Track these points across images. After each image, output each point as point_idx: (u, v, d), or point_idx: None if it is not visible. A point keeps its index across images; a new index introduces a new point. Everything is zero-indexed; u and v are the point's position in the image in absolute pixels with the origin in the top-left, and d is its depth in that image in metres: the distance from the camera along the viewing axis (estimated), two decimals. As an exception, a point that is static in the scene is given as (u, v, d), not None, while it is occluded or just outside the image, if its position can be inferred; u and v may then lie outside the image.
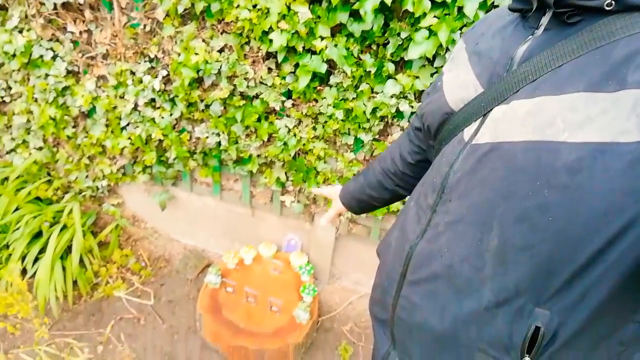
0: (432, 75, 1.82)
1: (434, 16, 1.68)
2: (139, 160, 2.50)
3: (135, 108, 2.29)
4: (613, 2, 0.57)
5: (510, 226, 0.62)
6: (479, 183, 0.66)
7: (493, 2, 1.62)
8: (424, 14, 1.68)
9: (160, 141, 2.38)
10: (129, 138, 2.37)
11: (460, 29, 1.68)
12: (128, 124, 2.36)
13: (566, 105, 0.57)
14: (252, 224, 2.61)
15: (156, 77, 2.18)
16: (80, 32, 2.19)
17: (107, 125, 2.40)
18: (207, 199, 2.63)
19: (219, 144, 2.29)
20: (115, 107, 2.31)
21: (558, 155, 0.56)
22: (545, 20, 0.67)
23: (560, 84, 0.59)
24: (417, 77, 1.84)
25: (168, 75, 2.19)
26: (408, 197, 1.01)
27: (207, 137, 2.27)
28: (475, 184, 0.67)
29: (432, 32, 1.69)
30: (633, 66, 0.53)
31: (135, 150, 2.45)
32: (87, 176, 2.62)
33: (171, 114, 2.26)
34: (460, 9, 1.66)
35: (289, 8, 1.84)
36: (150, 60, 2.19)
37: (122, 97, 2.29)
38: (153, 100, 2.26)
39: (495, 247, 0.64)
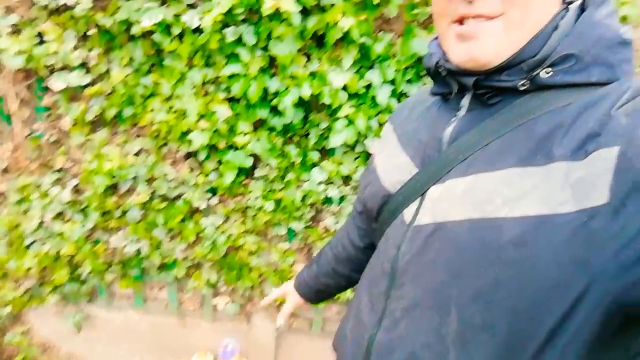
0: (355, 159, 1.88)
1: (350, 106, 1.77)
2: (48, 280, 2.24)
3: (41, 223, 2.09)
4: (527, 83, 0.61)
5: (467, 306, 0.60)
6: (429, 265, 0.65)
7: (402, 91, 1.75)
8: (340, 105, 1.77)
9: (72, 256, 2.17)
10: (36, 257, 2.13)
11: (376, 115, 1.78)
12: (34, 242, 2.13)
13: (500, 180, 0.58)
14: (182, 334, 2.40)
15: (65, 188, 2.02)
16: (-25, 149, 2.01)
17: (9, 246, 2.15)
18: (128, 313, 2.39)
19: (139, 251, 2.13)
20: (18, 225, 2.08)
21: (501, 231, 0.56)
22: (466, 101, 0.70)
23: (491, 160, 0.61)
24: (341, 163, 1.89)
25: (78, 184, 2.04)
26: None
27: (126, 246, 2.11)
28: (426, 266, 0.66)
29: (350, 121, 1.77)
30: (557, 140, 0.56)
31: (43, 269, 2.20)
32: (-17, 307, 2.28)
33: (83, 226, 2.08)
34: (373, 98, 1.76)
35: (207, 108, 1.84)
36: (57, 171, 2.04)
37: (25, 213, 2.08)
38: (61, 213, 2.08)
39: (455, 330, 0.62)
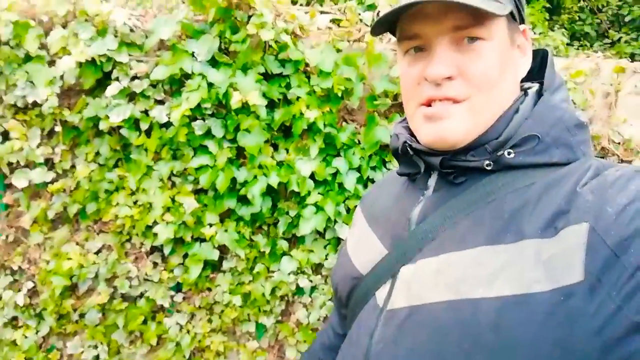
0: (325, 247, 1.86)
1: (319, 193, 1.78)
2: (-10, 398, 2.01)
3: (-11, 332, 1.92)
4: (491, 162, 0.62)
5: None
6: (407, 353, 0.61)
7: (368, 176, 1.79)
8: (309, 192, 1.78)
9: (21, 368, 1.97)
10: (-22, 371, 1.93)
11: (344, 201, 1.79)
12: (-22, 354, 1.94)
13: (471, 260, 0.58)
14: None
15: (19, 291, 1.89)
16: None
17: (-52, 360, 1.95)
18: None
19: (97, 357, 1.96)
20: (-39, 335, 1.91)
21: (478, 312, 0.55)
22: (432, 181, 0.71)
23: (460, 239, 0.61)
24: (312, 251, 1.86)
25: (34, 286, 1.92)
26: None
27: (82, 352, 1.94)
28: (403, 353, 0.62)
29: (319, 208, 1.78)
30: (525, 218, 0.56)
31: (-14, 385, 1.99)
32: None
33: (37, 332, 1.92)
34: (340, 184, 1.79)
35: (173, 200, 1.82)
36: (12, 273, 1.93)
37: (-29, 322, 1.92)
38: (14, 318, 1.93)
39: None
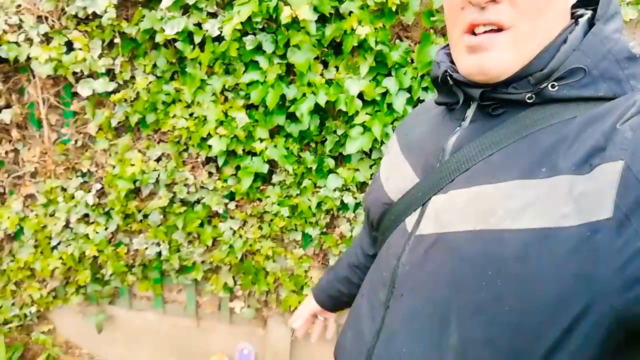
0: (370, 167, 1.89)
1: (366, 113, 1.78)
2: (72, 280, 2.31)
3: (67, 225, 2.16)
4: (533, 95, 0.60)
5: (468, 320, 0.59)
6: (430, 276, 0.64)
7: (419, 97, 1.75)
8: (357, 112, 1.78)
9: (95, 258, 2.23)
10: (61, 258, 2.20)
11: (392, 122, 1.78)
12: (59, 243, 2.20)
13: (503, 193, 0.58)
14: (200, 337, 2.43)
15: (89, 192, 2.09)
16: (7, 152, 2.09)
17: (35, 247, 2.22)
18: (148, 314, 2.44)
19: (159, 254, 2.18)
20: (44, 227, 2.16)
21: (503, 244, 0.55)
22: (470, 112, 0.70)
23: (493, 172, 0.61)
24: (357, 170, 1.89)
25: (102, 188, 2.11)
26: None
27: (147, 248, 2.16)
28: (426, 277, 0.65)
29: (366, 128, 1.78)
30: (561, 153, 0.56)
31: (68, 270, 2.27)
32: (13, 304, 2.36)
33: (106, 228, 2.14)
34: (389, 105, 1.77)
35: (226, 114, 1.88)
36: (83, 175, 2.11)
37: (52, 215, 2.16)
38: (86, 215, 2.15)
39: (455, 345, 0.60)
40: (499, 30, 0.59)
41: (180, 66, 1.89)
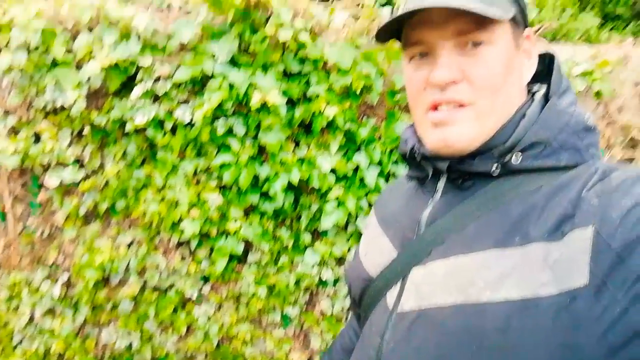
0: (347, 240, 1.89)
1: (340, 187, 1.81)
2: (34, 381, 2.14)
3: (31, 320, 2.04)
4: (498, 167, 0.64)
5: None
6: (415, 352, 0.64)
7: (389, 171, 1.80)
8: (330, 188, 1.81)
9: (61, 355, 2.09)
10: (24, 355, 2.05)
11: (365, 195, 1.82)
12: (22, 340, 2.06)
13: (479, 263, 0.59)
14: None
15: (56, 283, 2.00)
16: (-34, 247, 2.00)
17: (-6, 347, 2.08)
18: (118, 413, 2.27)
19: (130, 345, 2.06)
20: (6, 324, 2.03)
21: (485, 317, 0.56)
22: (441, 185, 0.72)
23: (468, 243, 0.62)
24: (334, 244, 1.89)
25: (69, 279, 2.02)
26: None
27: (116, 341, 2.05)
28: (412, 353, 0.64)
29: (340, 203, 1.81)
30: (532, 221, 0.57)
31: (29, 370, 2.11)
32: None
33: (74, 321, 2.03)
34: (361, 179, 1.81)
35: (198, 196, 1.87)
36: (49, 267, 2.03)
37: (15, 310, 2.03)
38: (52, 309, 2.04)
39: None
40: (461, 106, 0.63)
41: (151, 152, 1.89)
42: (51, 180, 1.87)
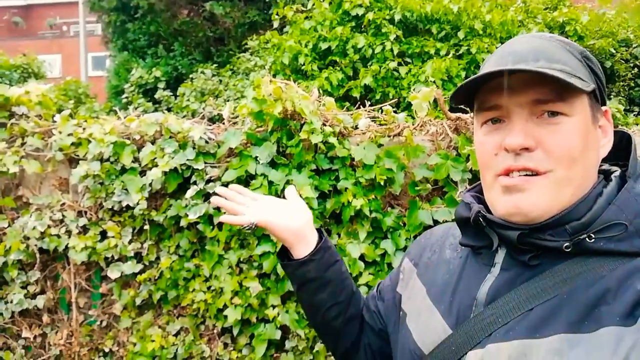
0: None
1: (369, 273, 1.95)
2: None
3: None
4: (571, 245, 0.60)
5: None
6: None
7: (414, 255, 1.94)
8: (360, 273, 1.95)
9: None
10: None
11: (394, 280, 1.94)
12: None
13: (550, 348, 0.56)
14: None
15: (109, 372, 2.15)
16: (35, 337, 2.21)
17: None
18: None
19: None
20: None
21: None
22: (499, 258, 0.67)
23: (535, 326, 0.59)
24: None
25: (122, 367, 2.17)
26: None
27: None
28: None
29: (370, 287, 1.93)
30: (604, 306, 0.56)
31: None
32: None
33: (123, 410, 2.14)
34: (389, 264, 1.95)
35: (240, 285, 2.05)
36: (104, 355, 2.19)
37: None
38: (104, 397, 2.16)
39: None
40: (536, 174, 0.61)
41: (200, 244, 2.13)
42: (113, 273, 2.12)
